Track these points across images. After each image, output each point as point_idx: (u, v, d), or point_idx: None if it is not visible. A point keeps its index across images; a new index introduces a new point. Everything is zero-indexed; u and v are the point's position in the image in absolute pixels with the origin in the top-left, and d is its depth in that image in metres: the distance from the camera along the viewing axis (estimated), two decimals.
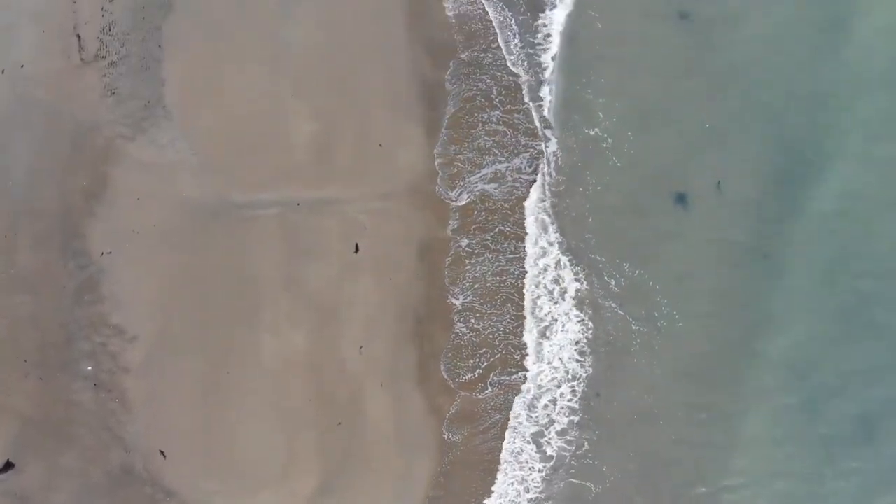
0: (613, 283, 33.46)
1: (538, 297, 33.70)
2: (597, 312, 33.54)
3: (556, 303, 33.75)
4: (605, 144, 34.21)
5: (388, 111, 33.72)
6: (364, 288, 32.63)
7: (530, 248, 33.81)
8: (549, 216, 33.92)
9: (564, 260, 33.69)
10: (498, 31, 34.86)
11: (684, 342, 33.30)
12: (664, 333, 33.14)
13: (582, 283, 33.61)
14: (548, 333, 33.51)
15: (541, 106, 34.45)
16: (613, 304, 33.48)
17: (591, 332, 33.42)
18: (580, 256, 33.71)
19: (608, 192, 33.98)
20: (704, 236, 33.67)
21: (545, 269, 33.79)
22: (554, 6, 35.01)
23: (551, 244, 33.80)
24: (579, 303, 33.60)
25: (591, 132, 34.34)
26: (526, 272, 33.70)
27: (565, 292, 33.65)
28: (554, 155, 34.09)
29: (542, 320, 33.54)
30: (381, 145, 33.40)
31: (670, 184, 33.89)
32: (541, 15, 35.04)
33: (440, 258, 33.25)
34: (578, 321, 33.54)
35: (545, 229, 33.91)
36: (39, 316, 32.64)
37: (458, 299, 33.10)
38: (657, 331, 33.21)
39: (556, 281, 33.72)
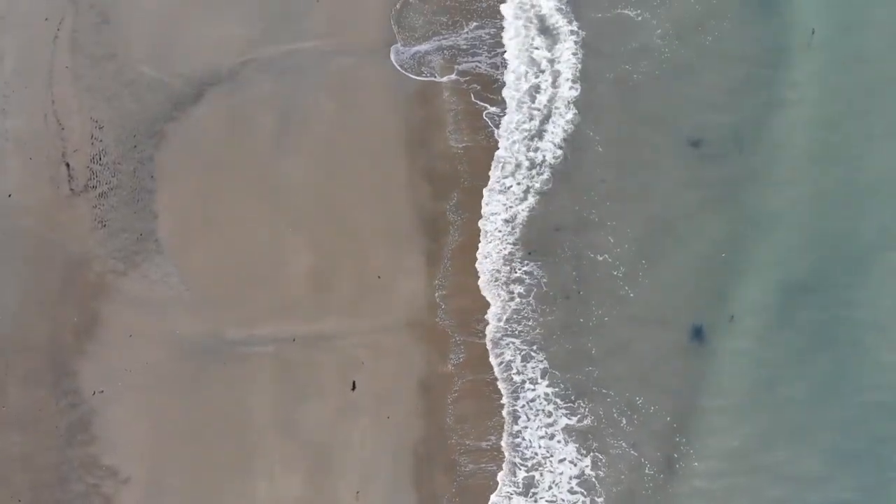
0: (624, 420, 32.55)
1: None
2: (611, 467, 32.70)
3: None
4: (615, 272, 33.36)
5: (388, 242, 32.77)
6: (361, 428, 31.76)
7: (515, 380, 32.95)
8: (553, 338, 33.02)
9: (551, 393, 32.87)
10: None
11: (702, 478, 32.34)
12: (680, 475, 32.24)
13: (587, 420, 32.67)
14: None
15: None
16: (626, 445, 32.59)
17: None
18: (585, 392, 32.73)
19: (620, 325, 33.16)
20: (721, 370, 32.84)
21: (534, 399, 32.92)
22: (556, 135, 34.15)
23: (540, 373, 32.90)
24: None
25: (601, 258, 33.46)
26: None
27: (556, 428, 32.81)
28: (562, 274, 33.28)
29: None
30: (379, 277, 32.47)
31: (686, 316, 33.02)
32: (542, 145, 34.15)
33: (441, 395, 32.34)
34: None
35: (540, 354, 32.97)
36: (32, 456, 32.00)
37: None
38: (672, 473, 32.27)
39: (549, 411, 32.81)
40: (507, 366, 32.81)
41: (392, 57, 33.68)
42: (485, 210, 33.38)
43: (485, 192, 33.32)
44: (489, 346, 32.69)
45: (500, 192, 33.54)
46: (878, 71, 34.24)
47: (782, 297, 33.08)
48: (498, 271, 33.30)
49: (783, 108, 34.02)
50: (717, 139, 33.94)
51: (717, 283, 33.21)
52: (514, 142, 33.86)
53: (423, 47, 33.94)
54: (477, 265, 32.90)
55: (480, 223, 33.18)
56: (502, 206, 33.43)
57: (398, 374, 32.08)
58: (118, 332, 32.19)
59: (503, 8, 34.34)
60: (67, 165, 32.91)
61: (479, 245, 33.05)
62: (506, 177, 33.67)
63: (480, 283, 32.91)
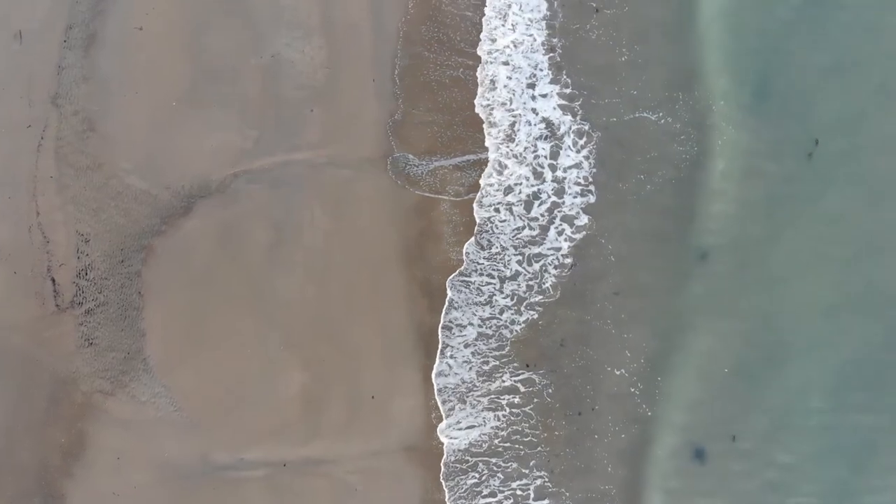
0: None
1: None
2: None
3: None
4: (633, 389, 32.72)
5: (382, 360, 31.99)
6: None
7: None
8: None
9: None
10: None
11: None
12: None
13: None
14: None
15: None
16: None
17: None
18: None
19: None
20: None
21: None
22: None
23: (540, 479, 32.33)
24: None
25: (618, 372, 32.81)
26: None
27: None
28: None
29: None
30: (373, 397, 31.70)
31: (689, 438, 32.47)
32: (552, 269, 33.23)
33: None
34: None
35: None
36: None
37: None
38: None
39: None
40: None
41: (389, 169, 32.63)
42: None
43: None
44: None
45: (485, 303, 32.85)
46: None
47: (785, 417, 32.68)
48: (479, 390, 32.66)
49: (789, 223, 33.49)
50: (725, 252, 33.36)
51: (721, 402, 32.82)
52: (510, 253, 32.97)
53: (422, 159, 32.94)
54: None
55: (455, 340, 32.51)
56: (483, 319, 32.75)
57: (393, 501, 31.43)
58: (106, 454, 31.48)
59: (497, 114, 33.38)
60: (53, 280, 31.98)
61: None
62: (496, 290, 32.94)
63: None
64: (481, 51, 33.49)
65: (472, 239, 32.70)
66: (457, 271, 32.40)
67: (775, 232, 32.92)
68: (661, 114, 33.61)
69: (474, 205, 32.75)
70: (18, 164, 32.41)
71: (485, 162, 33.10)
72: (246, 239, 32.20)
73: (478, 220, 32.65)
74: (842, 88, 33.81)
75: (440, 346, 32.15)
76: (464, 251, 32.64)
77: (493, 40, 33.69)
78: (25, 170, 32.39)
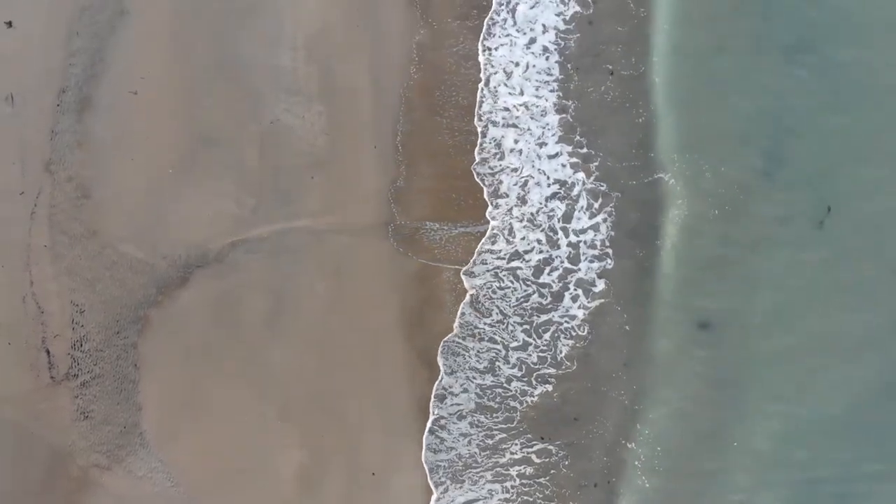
0: None
1: None
2: None
3: None
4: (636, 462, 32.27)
5: (382, 434, 31.52)
6: None
7: None
8: None
9: None
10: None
11: None
12: None
13: None
14: None
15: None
16: None
17: None
18: None
19: None
20: None
21: None
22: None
23: None
24: None
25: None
26: None
27: None
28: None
29: None
30: (373, 474, 31.21)
31: None
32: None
33: None
34: None
35: None
36: None
37: None
38: None
39: None
40: None
41: (390, 235, 31.97)
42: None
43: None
44: None
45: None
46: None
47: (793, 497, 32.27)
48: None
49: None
50: (729, 322, 32.74)
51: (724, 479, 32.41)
52: (514, 321, 32.38)
53: (424, 226, 32.25)
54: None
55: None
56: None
57: None
58: None
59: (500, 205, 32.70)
60: (48, 352, 31.41)
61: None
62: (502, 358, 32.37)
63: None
64: (486, 113, 32.83)
65: (468, 298, 32.05)
66: (450, 334, 31.86)
67: (784, 302, 32.33)
68: (669, 175, 33.06)
69: (462, 275, 32.09)
70: (11, 231, 31.75)
71: (486, 230, 32.51)
72: (244, 309, 31.64)
73: (470, 289, 32.02)
74: (855, 154, 33.11)
75: (430, 418, 31.68)
76: (458, 313, 32.06)
77: (500, 103, 33.05)
78: (19, 238, 31.73)
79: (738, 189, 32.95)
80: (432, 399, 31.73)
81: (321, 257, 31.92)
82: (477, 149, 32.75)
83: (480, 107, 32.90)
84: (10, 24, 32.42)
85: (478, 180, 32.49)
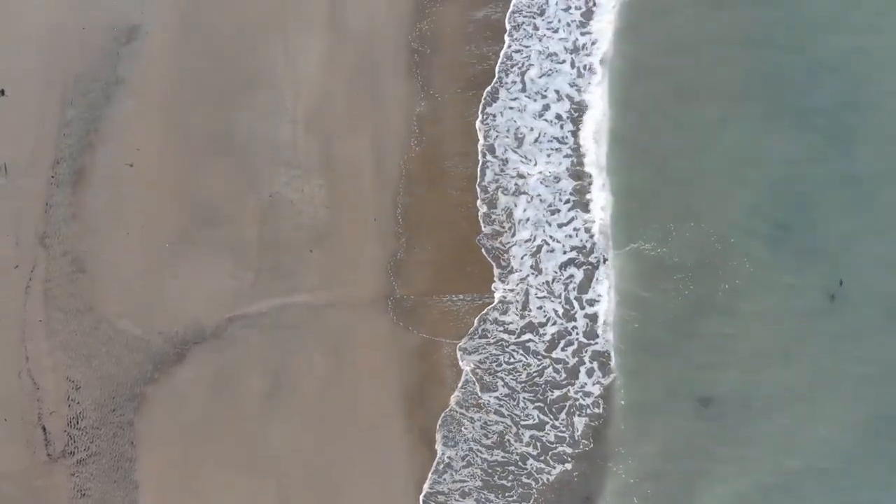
0: None
1: None
2: None
3: None
4: None
5: None
6: None
7: None
8: None
9: None
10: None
11: None
12: None
13: None
14: None
15: None
16: None
17: None
18: None
19: None
20: None
21: None
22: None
23: None
24: None
25: None
26: None
27: None
28: None
29: None
30: None
31: None
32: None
33: None
34: None
35: None
36: None
37: None
38: None
39: None
40: None
41: (390, 310, 31.57)
42: None
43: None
44: None
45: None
46: None
47: None
48: None
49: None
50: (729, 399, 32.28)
51: None
52: (524, 396, 31.96)
53: (424, 300, 31.85)
54: None
55: None
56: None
57: None
58: None
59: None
60: (44, 429, 31.06)
61: None
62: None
63: None
64: (491, 182, 32.36)
65: (468, 374, 31.68)
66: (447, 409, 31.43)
67: (791, 380, 31.95)
68: (661, 246, 32.71)
69: (458, 351, 31.56)
70: (6, 306, 31.38)
71: (489, 302, 32.14)
72: (241, 386, 31.23)
73: (465, 365, 31.61)
74: (869, 226, 32.66)
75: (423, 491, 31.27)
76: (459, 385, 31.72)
77: (508, 171, 32.60)
78: (14, 312, 31.36)
79: (749, 261, 32.74)
80: (430, 474, 31.48)
81: (320, 333, 31.54)
82: (481, 216, 32.38)
83: (483, 177, 32.50)
84: (2, 92, 31.92)
85: (484, 253, 32.15)
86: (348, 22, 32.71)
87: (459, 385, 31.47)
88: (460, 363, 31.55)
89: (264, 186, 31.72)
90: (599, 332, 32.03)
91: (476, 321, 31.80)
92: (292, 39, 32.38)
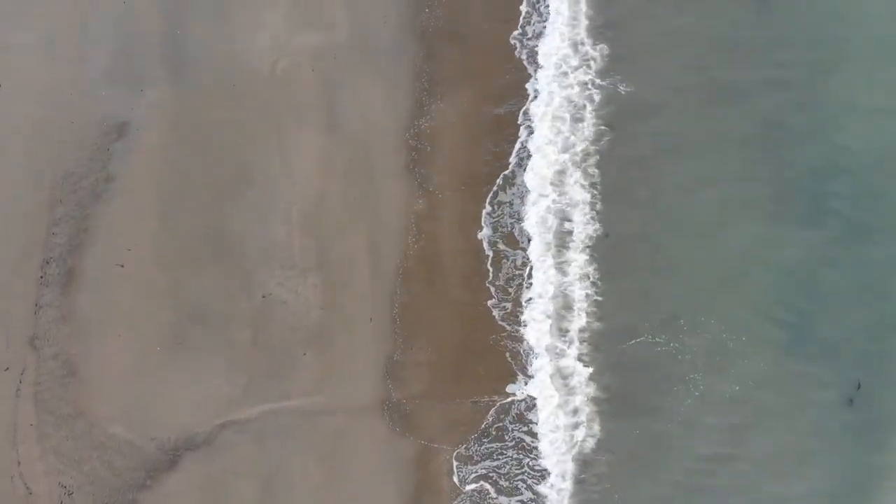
0: None
1: None
2: None
3: None
4: None
5: None
6: None
7: None
8: None
9: None
10: None
11: None
12: None
13: None
14: None
15: None
16: None
17: None
18: None
19: None
20: None
21: None
22: None
23: None
24: None
25: None
26: None
27: None
28: None
29: None
30: None
31: None
32: None
33: None
34: None
35: None
36: None
37: None
38: None
39: None
40: None
41: (385, 415, 30.56)
42: None
43: None
44: None
45: None
46: None
47: None
48: None
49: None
50: None
51: None
52: None
53: (421, 404, 30.79)
54: None
55: None
56: None
57: None
58: None
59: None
60: None
61: None
62: None
63: None
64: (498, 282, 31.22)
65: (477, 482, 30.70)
66: None
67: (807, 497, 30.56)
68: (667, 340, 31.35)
69: (454, 459, 30.58)
70: None
71: (491, 405, 30.98)
72: (234, 494, 30.42)
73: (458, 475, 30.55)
74: (889, 327, 31.06)
75: None
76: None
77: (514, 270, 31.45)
78: (5, 416, 30.83)
79: (762, 362, 31.27)
80: None
81: (314, 439, 30.61)
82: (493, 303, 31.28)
83: (496, 276, 31.38)
84: None
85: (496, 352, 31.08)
86: (345, 120, 31.55)
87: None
88: (455, 479, 30.60)
89: (258, 287, 30.81)
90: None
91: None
92: (287, 137, 31.30)
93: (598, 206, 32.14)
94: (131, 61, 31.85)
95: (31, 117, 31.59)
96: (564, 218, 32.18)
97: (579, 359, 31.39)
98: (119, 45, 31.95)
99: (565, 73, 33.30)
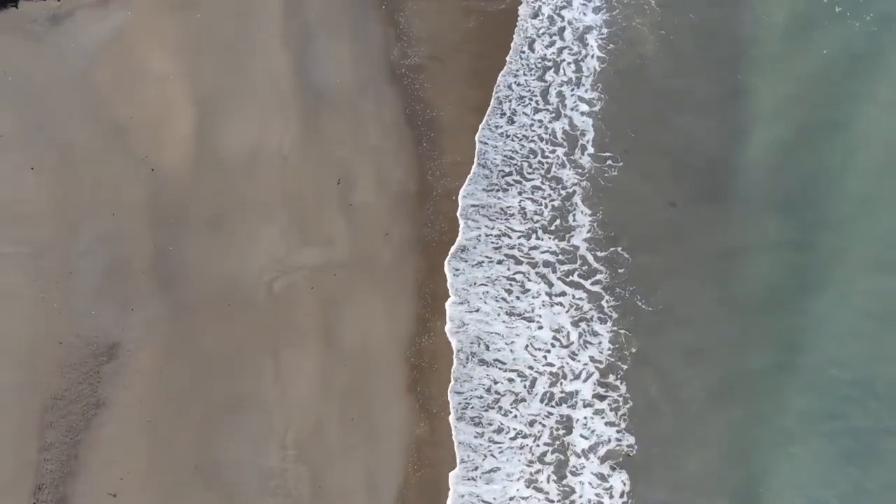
0: None
1: None
2: None
3: None
4: None
5: None
6: None
7: None
8: None
9: None
10: None
11: None
12: None
13: None
14: None
15: None
16: None
17: None
18: None
19: None
20: None
21: None
22: None
23: None
24: None
25: None
26: None
27: None
28: None
29: None
30: None
31: None
32: None
33: None
34: None
35: None
36: None
37: None
38: None
39: None
40: None
41: None
42: None
43: None
44: None
45: None
46: None
47: None
48: None
49: None
50: None
51: None
52: None
53: None
54: None
55: None
56: None
57: None
58: None
59: None
60: None
61: None
62: None
63: None
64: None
65: None
66: None
67: None
68: None
69: None
70: None
71: None
72: None
73: None
74: None
75: None
76: None
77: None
78: None
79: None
80: None
81: None
82: None
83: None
84: None
85: None
86: (344, 340, 30.82)
87: None
88: None
89: None
90: None
91: None
92: (282, 359, 30.47)
93: None
94: (121, 278, 30.97)
95: (20, 335, 30.71)
96: None
97: None
98: (109, 260, 31.04)
99: None
